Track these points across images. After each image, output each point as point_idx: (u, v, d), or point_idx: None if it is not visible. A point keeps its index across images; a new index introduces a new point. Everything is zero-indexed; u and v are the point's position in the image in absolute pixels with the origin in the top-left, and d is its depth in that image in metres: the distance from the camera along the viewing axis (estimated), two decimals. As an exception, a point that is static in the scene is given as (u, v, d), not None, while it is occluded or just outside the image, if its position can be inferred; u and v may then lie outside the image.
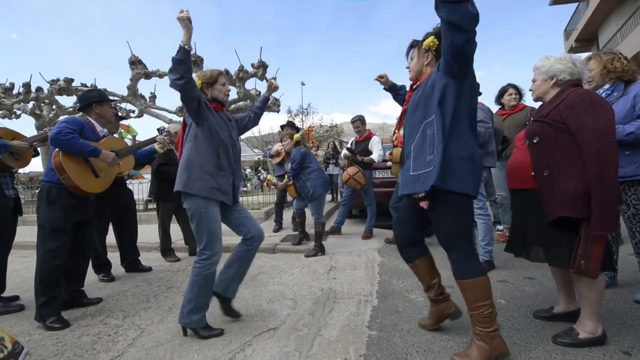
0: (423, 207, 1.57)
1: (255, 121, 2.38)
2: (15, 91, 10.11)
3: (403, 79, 1.89)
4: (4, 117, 10.48)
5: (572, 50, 15.66)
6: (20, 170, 3.06)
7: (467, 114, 1.54)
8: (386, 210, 4.24)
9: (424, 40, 1.72)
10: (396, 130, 3.96)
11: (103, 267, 3.08)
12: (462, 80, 1.50)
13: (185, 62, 1.78)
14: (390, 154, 3.86)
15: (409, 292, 2.47)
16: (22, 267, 3.50)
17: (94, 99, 2.49)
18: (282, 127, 5.03)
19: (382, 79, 2.17)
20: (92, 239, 2.65)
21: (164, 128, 3.29)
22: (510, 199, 1.88)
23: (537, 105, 2.05)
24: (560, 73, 1.66)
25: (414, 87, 1.78)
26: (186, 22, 1.78)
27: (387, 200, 4.20)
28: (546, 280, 2.55)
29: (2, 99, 9.96)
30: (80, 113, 2.55)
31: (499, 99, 3.65)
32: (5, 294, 2.48)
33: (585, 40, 15.71)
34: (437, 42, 1.68)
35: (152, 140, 3.03)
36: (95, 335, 1.98)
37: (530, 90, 1.80)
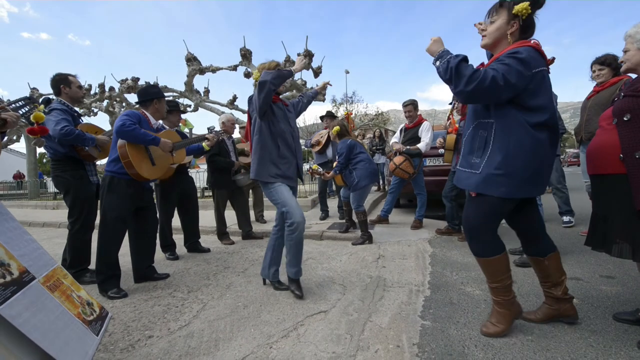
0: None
1: (305, 107, 2.63)
2: (92, 92, 11.43)
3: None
4: (84, 114, 11.94)
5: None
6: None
7: (529, 118, 1.45)
8: (437, 200, 4.06)
9: (515, 3, 1.47)
10: (450, 116, 3.73)
11: (169, 247, 3.42)
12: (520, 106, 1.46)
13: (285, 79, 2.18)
14: (443, 140, 3.66)
15: (464, 284, 2.35)
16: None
17: (155, 95, 2.69)
18: (322, 117, 5.02)
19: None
20: (156, 220, 2.91)
21: (214, 127, 3.57)
22: (591, 186, 1.66)
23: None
24: None
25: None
26: (304, 64, 2.29)
27: (437, 190, 4.01)
28: (629, 279, 2.25)
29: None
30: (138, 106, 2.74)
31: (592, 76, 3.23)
32: (91, 267, 2.84)
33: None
34: (529, 10, 1.46)
35: (203, 138, 3.28)
36: (165, 306, 2.20)
37: (621, 62, 1.55)
